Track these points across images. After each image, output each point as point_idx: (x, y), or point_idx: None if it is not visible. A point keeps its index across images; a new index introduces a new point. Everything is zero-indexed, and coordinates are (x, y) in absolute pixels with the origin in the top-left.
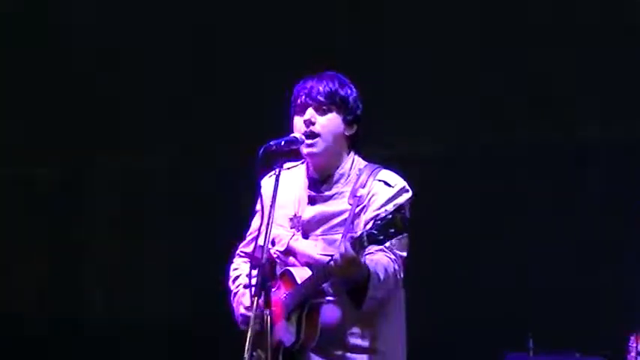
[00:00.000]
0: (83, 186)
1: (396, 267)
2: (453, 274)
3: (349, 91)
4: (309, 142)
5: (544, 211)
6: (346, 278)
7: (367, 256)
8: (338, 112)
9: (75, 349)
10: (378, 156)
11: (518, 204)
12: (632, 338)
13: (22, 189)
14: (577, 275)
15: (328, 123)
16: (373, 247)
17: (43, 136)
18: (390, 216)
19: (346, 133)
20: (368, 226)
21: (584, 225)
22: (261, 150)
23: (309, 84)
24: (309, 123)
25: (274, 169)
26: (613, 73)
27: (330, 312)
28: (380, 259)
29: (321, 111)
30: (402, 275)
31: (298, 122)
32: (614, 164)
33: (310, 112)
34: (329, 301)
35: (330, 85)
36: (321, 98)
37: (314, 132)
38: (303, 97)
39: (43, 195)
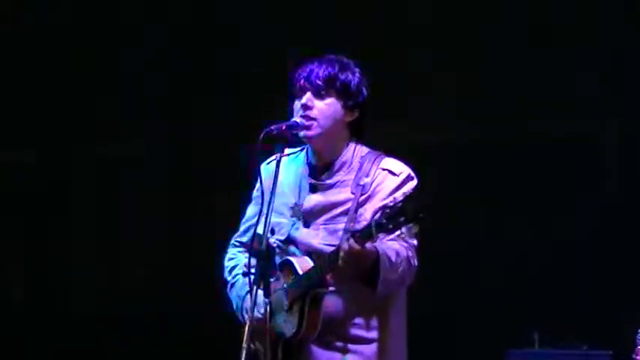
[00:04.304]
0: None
1: (410, 253)
2: (455, 269)
3: (350, 76)
4: (305, 124)
5: (548, 205)
6: (353, 270)
7: (377, 243)
8: (337, 98)
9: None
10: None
11: (519, 197)
12: None
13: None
14: (584, 270)
15: (326, 108)
16: (384, 237)
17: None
18: (400, 204)
19: (346, 120)
20: (376, 216)
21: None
22: (262, 135)
23: (308, 67)
24: (305, 107)
25: (274, 154)
26: None
27: (332, 303)
28: (391, 244)
29: (319, 96)
30: (416, 263)
31: (297, 106)
32: None
33: (308, 96)
34: (331, 292)
35: (330, 69)
36: (319, 82)
37: (310, 116)
38: (302, 80)
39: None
